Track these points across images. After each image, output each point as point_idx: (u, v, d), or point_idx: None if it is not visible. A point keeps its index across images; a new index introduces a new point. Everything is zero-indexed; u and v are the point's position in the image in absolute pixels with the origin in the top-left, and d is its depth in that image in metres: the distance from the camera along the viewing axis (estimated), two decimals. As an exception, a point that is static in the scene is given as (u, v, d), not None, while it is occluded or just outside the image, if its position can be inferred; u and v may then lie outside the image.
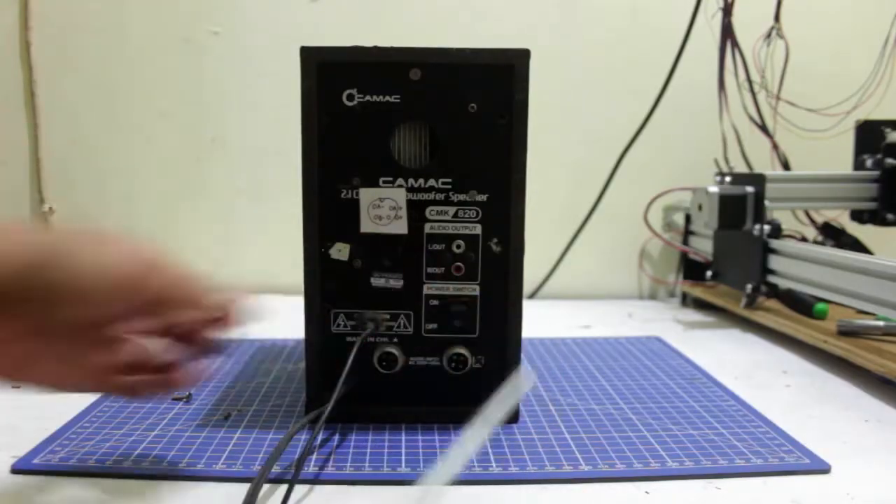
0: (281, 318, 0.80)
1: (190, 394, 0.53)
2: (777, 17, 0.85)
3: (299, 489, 0.39)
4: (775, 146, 0.87)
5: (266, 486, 0.39)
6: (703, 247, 0.88)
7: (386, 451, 0.44)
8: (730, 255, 0.82)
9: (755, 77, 0.87)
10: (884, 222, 0.80)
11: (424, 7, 0.93)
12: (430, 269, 0.47)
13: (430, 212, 0.47)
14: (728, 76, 0.86)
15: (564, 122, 0.96)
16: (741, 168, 0.88)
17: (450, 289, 0.47)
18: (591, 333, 0.75)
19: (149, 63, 0.92)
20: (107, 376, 0.37)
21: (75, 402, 0.51)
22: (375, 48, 0.46)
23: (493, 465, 0.42)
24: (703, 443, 0.46)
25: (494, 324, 0.48)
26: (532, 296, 0.96)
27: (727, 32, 0.85)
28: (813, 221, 0.87)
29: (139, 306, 0.36)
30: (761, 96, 0.87)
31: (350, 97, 0.45)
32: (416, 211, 0.46)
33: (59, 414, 0.48)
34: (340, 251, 0.47)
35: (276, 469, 0.41)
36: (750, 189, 0.76)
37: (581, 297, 0.96)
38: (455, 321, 0.48)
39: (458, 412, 0.48)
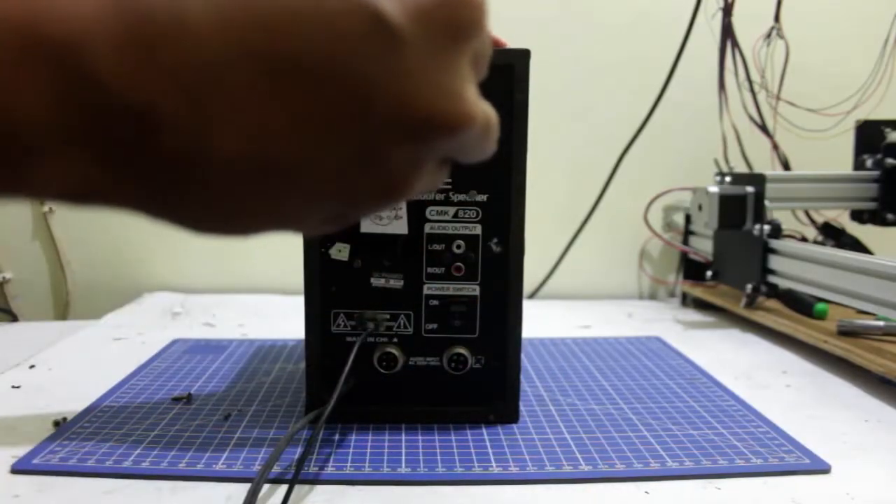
0: (281, 318, 0.80)
1: (190, 394, 0.53)
2: (777, 17, 0.85)
3: (299, 489, 0.39)
4: (775, 146, 0.87)
5: (266, 486, 0.39)
6: (703, 247, 0.88)
7: (386, 451, 0.44)
8: (730, 255, 0.82)
9: (755, 77, 0.87)
10: (884, 222, 0.80)
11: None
12: (430, 269, 0.47)
13: (430, 212, 0.47)
14: (728, 76, 0.86)
15: (564, 122, 0.96)
16: (741, 168, 0.88)
17: (450, 289, 0.47)
18: (591, 333, 0.75)
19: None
20: None
21: (75, 403, 0.51)
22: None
23: (493, 465, 0.42)
24: (703, 443, 0.46)
25: (494, 324, 0.48)
26: (532, 296, 0.96)
27: (727, 32, 0.85)
28: (813, 221, 0.87)
29: None
30: (761, 96, 0.87)
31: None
32: (416, 211, 0.46)
33: (58, 414, 0.48)
34: (340, 251, 0.47)
35: (276, 469, 0.41)
36: (750, 189, 0.76)
37: (581, 297, 0.96)
38: (455, 321, 0.48)
39: (458, 412, 0.49)
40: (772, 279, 0.75)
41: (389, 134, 0.20)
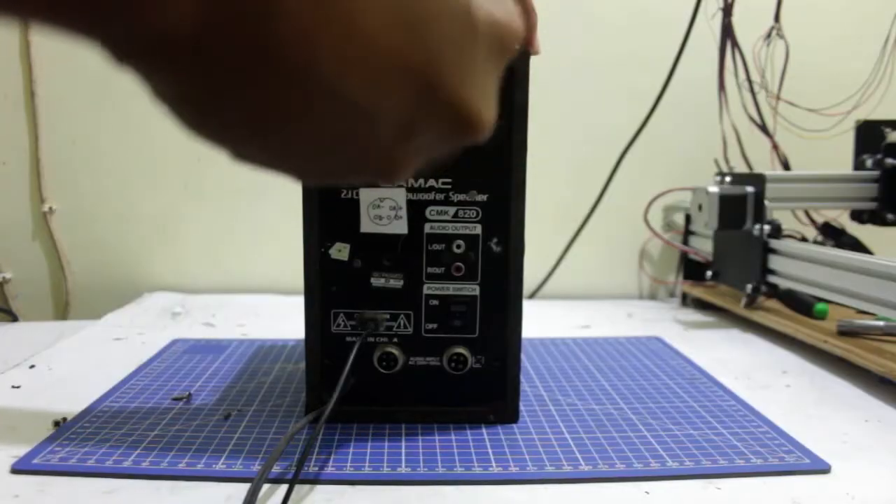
0: (281, 318, 0.80)
1: (190, 394, 0.53)
2: (777, 17, 0.85)
3: (299, 489, 0.39)
4: (775, 146, 0.87)
5: (266, 486, 0.39)
6: (703, 247, 0.88)
7: (386, 451, 0.44)
8: (730, 255, 0.82)
9: (755, 77, 0.87)
10: (884, 222, 0.80)
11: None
12: (430, 269, 0.47)
13: (430, 212, 0.47)
14: (728, 76, 0.86)
15: (564, 122, 0.96)
16: (741, 168, 0.88)
17: (450, 289, 0.47)
18: (591, 333, 0.75)
19: (149, 63, 0.92)
20: None
21: (75, 403, 0.51)
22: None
23: (494, 465, 0.42)
24: (703, 443, 0.46)
25: (494, 324, 0.48)
26: (532, 296, 0.96)
27: (727, 32, 0.85)
28: (813, 221, 0.87)
29: None
30: (761, 96, 0.87)
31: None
32: (416, 211, 0.46)
33: (58, 414, 0.48)
34: (340, 251, 0.47)
35: (276, 469, 0.41)
36: (750, 189, 0.76)
37: (581, 297, 0.96)
38: (455, 321, 0.48)
39: (458, 412, 0.49)
40: (772, 279, 0.75)
41: (435, 119, 0.20)
